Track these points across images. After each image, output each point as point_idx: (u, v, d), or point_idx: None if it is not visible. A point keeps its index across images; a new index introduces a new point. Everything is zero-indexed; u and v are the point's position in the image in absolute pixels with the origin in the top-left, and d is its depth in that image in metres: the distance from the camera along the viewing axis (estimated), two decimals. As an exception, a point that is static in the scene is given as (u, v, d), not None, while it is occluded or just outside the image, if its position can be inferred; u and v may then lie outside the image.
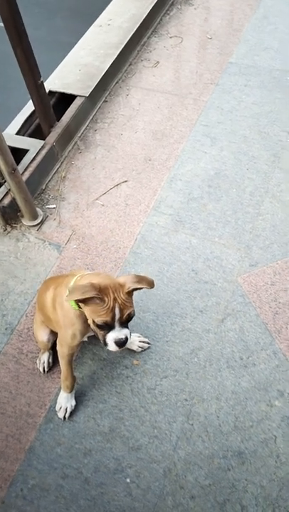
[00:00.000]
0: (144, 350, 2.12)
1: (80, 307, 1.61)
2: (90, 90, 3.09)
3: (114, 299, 1.50)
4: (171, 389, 2.01)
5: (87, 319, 1.62)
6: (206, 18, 3.79)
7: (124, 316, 1.53)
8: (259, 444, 1.86)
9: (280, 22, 3.63)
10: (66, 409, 1.93)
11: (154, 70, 3.42)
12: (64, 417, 1.94)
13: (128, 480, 1.80)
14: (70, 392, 1.94)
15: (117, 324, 1.53)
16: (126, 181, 2.80)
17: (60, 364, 1.88)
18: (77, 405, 1.97)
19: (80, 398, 2.00)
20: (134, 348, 2.10)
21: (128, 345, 2.08)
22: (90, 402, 1.98)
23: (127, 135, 3.05)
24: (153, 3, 3.69)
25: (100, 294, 1.49)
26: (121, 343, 1.54)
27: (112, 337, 1.54)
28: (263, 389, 1.99)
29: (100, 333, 1.57)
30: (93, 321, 1.54)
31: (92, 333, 1.74)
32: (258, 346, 2.11)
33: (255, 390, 1.99)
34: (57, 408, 1.95)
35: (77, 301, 1.55)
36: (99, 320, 1.51)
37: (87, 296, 1.47)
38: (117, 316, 1.52)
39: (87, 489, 1.79)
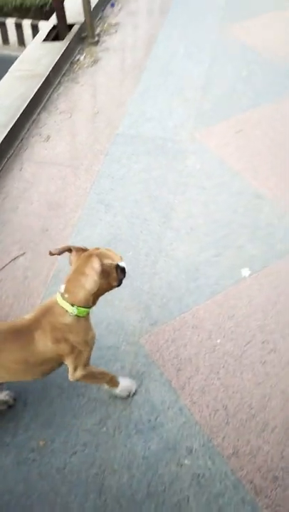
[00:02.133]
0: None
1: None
2: (-19, 167, 3.13)
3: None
4: (81, 465, 1.96)
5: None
6: (92, 94, 4.07)
7: None
8: (173, 508, 1.85)
9: (158, 95, 4.01)
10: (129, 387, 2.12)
11: (46, 144, 3.56)
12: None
13: None
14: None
15: None
16: (24, 254, 2.81)
17: (98, 380, 2.00)
18: (-20, 502, 1.84)
19: (-17, 493, 1.87)
20: None
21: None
22: (-6, 496, 1.86)
23: (23, 207, 3.10)
24: (40, 83, 3.90)
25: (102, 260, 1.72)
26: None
27: (123, 265, 1.79)
28: (172, 449, 2.01)
29: (118, 278, 1.77)
30: (116, 270, 1.75)
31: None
32: (164, 405, 2.15)
33: (165, 451, 2.00)
34: (125, 395, 2.12)
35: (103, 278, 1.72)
36: (122, 264, 1.77)
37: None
38: None
39: None
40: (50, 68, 4.04)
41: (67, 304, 1.74)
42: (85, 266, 1.70)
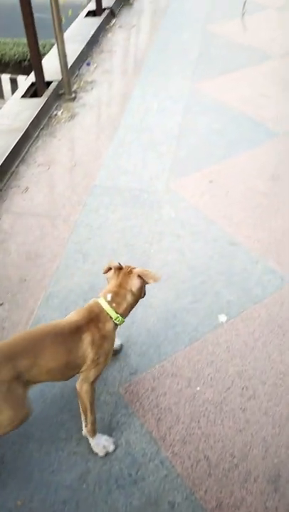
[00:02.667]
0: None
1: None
2: None
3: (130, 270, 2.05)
4: (60, 526, 1.89)
5: None
6: (70, 148, 4.22)
7: None
8: None
9: (134, 148, 4.18)
10: (106, 446, 2.11)
11: (24, 196, 3.64)
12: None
13: None
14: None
15: None
16: (1, 304, 2.80)
17: (89, 409, 2.03)
18: None
19: None
20: None
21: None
22: None
23: (1, 258, 3.11)
24: (19, 137, 4.02)
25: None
26: None
27: None
28: (154, 504, 1.96)
29: (144, 292, 2.14)
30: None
31: None
32: (145, 458, 2.11)
33: (147, 507, 1.95)
34: (101, 452, 2.10)
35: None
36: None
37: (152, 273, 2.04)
38: None
39: None
40: (29, 123, 4.19)
41: (114, 312, 2.00)
42: (126, 282, 2.03)
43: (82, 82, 5.18)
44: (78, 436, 2.17)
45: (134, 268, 2.07)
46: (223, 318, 2.74)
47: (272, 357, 2.53)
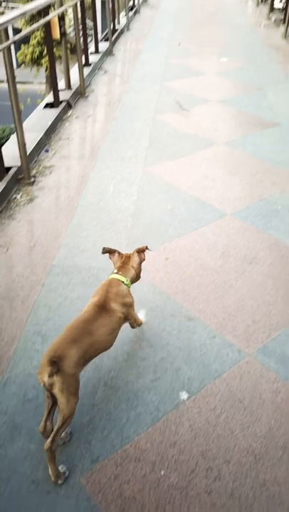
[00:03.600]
0: None
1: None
2: None
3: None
4: None
5: None
6: (29, 229, 4.32)
7: None
8: None
9: (91, 228, 4.32)
10: None
11: (-18, 278, 3.63)
12: None
13: None
14: None
15: None
16: None
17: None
18: None
19: None
20: None
21: None
22: None
23: None
24: (-22, 220, 4.09)
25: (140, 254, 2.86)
26: None
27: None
28: None
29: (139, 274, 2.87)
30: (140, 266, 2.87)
31: None
32: None
33: None
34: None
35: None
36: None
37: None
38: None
39: None
40: (-12, 207, 4.29)
41: (123, 277, 2.68)
42: (129, 260, 2.77)
43: (41, 167, 5.42)
44: (37, 536, 2.02)
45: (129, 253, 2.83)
46: (184, 395, 2.74)
47: (234, 433, 2.52)
